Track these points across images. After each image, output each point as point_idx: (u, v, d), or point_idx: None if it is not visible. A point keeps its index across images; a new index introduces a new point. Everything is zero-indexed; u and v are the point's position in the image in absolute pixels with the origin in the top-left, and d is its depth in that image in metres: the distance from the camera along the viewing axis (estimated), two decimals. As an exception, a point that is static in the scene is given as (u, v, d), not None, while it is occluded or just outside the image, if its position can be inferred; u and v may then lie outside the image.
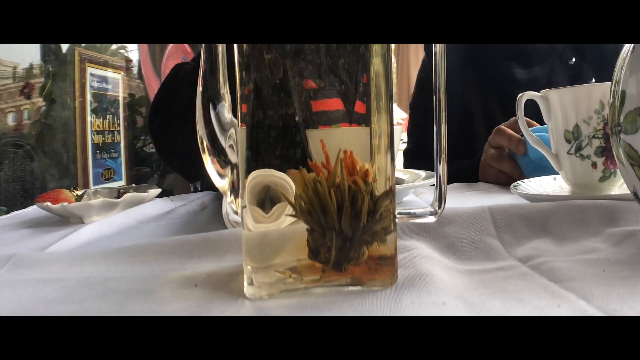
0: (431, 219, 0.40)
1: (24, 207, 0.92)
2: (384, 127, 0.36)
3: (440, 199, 0.40)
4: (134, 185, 0.87)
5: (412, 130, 1.40)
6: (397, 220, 0.38)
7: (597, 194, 0.61)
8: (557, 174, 0.72)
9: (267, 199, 0.35)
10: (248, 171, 0.35)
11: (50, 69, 2.29)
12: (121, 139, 2.65)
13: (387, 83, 0.37)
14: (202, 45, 0.37)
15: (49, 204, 0.72)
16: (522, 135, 0.89)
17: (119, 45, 2.82)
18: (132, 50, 2.96)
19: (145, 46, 2.97)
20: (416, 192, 0.83)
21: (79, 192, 0.80)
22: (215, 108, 0.38)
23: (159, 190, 0.84)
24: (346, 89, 0.36)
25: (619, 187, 0.64)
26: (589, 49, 1.25)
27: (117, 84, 2.69)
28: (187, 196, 0.93)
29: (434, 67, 0.39)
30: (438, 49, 0.39)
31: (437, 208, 0.40)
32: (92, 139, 2.38)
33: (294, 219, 0.35)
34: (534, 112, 0.71)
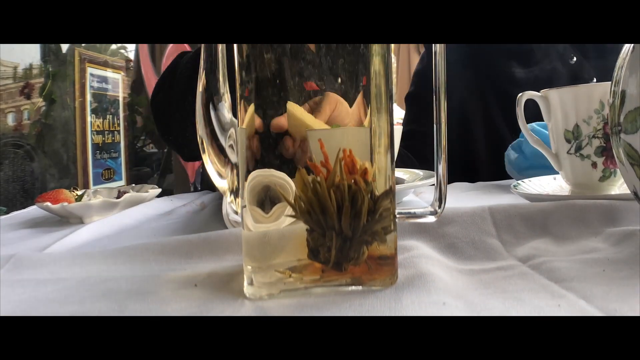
0: (431, 219, 0.40)
1: (24, 207, 0.92)
2: (384, 127, 0.36)
3: (441, 198, 0.40)
4: (134, 185, 0.87)
5: (407, 119, 1.39)
6: (397, 220, 0.38)
7: (597, 193, 0.61)
8: (552, 173, 0.72)
9: (267, 199, 0.35)
10: (248, 171, 0.36)
11: (50, 69, 2.29)
12: (121, 139, 2.65)
13: (387, 83, 0.37)
14: (202, 45, 0.37)
15: (49, 204, 0.72)
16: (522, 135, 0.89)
17: (119, 45, 2.82)
18: (132, 51, 2.96)
19: (144, 46, 2.97)
20: (416, 191, 0.83)
21: (79, 192, 0.80)
22: (215, 108, 0.38)
23: (158, 190, 0.84)
24: (345, 89, 0.36)
25: (619, 186, 0.64)
26: (590, 48, 1.25)
27: (117, 84, 2.69)
28: (187, 196, 0.93)
29: (434, 67, 0.39)
30: (438, 49, 0.39)
31: (437, 208, 0.40)
32: (92, 139, 2.38)
33: (293, 219, 0.35)
34: (534, 112, 0.71)
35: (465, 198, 0.75)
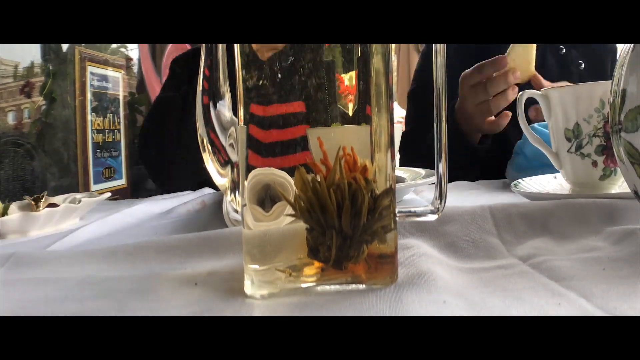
0: (432, 218, 0.40)
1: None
2: (384, 125, 0.36)
3: (441, 197, 0.40)
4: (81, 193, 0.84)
5: (409, 117, 1.39)
6: (397, 218, 0.38)
7: (597, 192, 0.61)
8: (553, 172, 0.72)
9: (267, 198, 0.36)
10: (248, 170, 0.36)
11: (51, 68, 2.29)
12: (122, 137, 2.64)
13: (387, 81, 0.37)
14: (203, 45, 0.37)
15: None
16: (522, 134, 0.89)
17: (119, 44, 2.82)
18: (133, 49, 2.96)
19: (145, 45, 2.97)
20: (416, 190, 0.83)
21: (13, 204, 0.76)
22: (215, 106, 0.37)
23: (94, 199, 0.79)
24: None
25: (619, 185, 0.64)
26: None
27: (117, 82, 2.69)
28: (188, 194, 0.93)
29: (434, 66, 0.39)
30: (439, 48, 0.39)
31: (437, 206, 0.40)
32: (93, 138, 2.38)
33: (293, 218, 0.35)
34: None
35: (466, 197, 0.75)
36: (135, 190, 2.71)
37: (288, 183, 0.35)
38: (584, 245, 0.44)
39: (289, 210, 0.35)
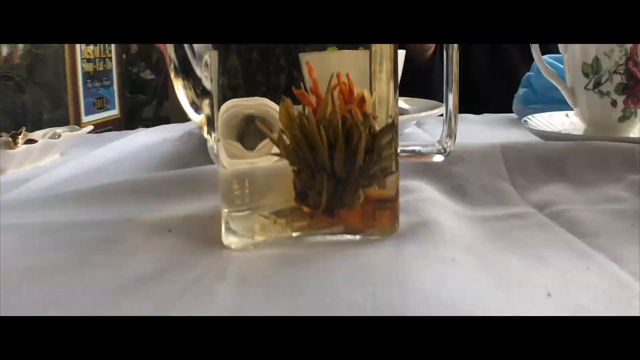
0: (439, 159, 0.35)
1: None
2: (385, 50, 0.31)
3: (450, 134, 0.35)
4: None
5: None
6: (399, 159, 0.33)
7: (614, 134, 0.56)
8: (563, 109, 0.67)
9: (249, 132, 0.30)
10: (223, 99, 0.30)
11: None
12: (113, 66, 2.54)
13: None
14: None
15: None
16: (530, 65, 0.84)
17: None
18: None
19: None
20: (419, 122, 0.76)
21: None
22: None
23: (74, 133, 0.75)
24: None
25: (639, 129, 0.59)
26: None
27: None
28: (183, 126, 0.88)
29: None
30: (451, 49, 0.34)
31: (445, 145, 0.35)
32: (83, 68, 2.29)
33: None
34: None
35: (472, 132, 0.69)
36: (129, 121, 2.64)
37: (274, 115, 0.30)
38: (606, 195, 0.39)
39: (275, 148, 0.30)
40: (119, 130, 0.97)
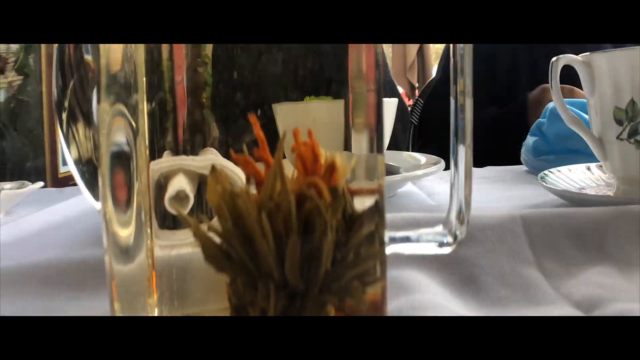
0: (445, 250, 0.24)
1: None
2: (365, 98, 0.21)
3: (461, 213, 0.24)
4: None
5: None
6: (386, 250, 0.23)
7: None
8: (579, 160, 0.59)
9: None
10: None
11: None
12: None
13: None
14: None
15: None
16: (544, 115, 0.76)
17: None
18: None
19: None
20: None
21: None
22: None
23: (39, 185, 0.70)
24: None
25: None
26: None
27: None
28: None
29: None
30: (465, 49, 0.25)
31: (453, 229, 0.24)
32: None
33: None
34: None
35: (480, 192, 0.59)
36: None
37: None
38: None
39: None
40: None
